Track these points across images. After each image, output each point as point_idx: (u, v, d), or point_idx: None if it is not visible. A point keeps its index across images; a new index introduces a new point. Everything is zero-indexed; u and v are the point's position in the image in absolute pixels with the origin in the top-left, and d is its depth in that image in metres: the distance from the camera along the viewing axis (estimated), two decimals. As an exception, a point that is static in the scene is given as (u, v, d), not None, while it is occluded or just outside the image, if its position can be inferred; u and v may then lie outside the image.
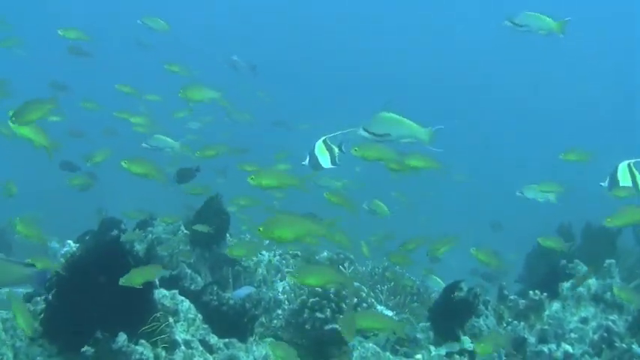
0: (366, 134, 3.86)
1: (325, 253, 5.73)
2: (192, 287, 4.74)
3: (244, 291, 4.78)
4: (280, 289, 5.05)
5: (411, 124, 3.75)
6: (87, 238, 5.32)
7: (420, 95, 21.76)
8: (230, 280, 5.08)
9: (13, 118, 3.83)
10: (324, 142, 4.44)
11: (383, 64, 25.69)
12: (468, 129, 18.60)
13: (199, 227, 4.92)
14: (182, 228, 5.23)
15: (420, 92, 23.01)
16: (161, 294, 3.72)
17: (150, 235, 5.10)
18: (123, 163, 4.03)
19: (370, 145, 3.76)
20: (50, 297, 3.36)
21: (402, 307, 5.21)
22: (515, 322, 4.21)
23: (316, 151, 4.44)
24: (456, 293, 4.08)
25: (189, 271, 4.86)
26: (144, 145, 5.76)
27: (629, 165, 4.67)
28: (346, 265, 5.54)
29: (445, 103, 22.17)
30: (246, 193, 5.79)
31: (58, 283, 3.35)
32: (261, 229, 3.18)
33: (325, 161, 4.49)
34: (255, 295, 4.84)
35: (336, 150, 4.44)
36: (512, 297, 4.45)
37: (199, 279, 4.84)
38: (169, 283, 4.69)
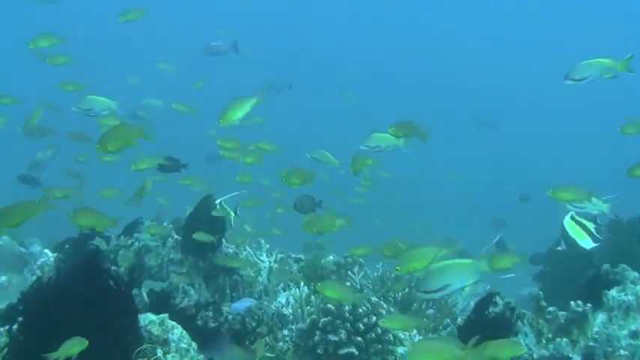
0: (365, 147, 4.62)
1: (332, 257, 5.18)
2: (185, 302, 4.18)
3: (244, 304, 4.24)
4: (284, 301, 4.50)
5: (392, 138, 4.56)
6: (66, 246, 4.76)
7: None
8: (227, 292, 4.53)
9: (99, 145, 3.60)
10: (220, 204, 4.69)
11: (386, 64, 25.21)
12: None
13: (200, 236, 4.34)
14: (172, 233, 4.69)
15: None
16: (148, 320, 3.16)
17: (136, 243, 4.54)
18: (69, 215, 3.44)
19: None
20: (14, 329, 2.79)
21: (419, 316, 4.69)
22: (558, 339, 3.67)
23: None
24: (490, 309, 3.54)
25: (181, 283, 4.30)
26: (74, 109, 4.88)
27: (572, 218, 4.46)
28: (355, 269, 4.99)
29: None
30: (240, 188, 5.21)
31: (25, 312, 2.78)
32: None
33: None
34: (256, 308, 4.30)
35: (232, 214, 4.72)
36: (550, 309, 3.90)
37: (192, 292, 4.28)
38: (159, 297, 4.17)
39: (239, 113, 4.19)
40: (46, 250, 4.59)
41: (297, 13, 27.41)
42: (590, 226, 4.32)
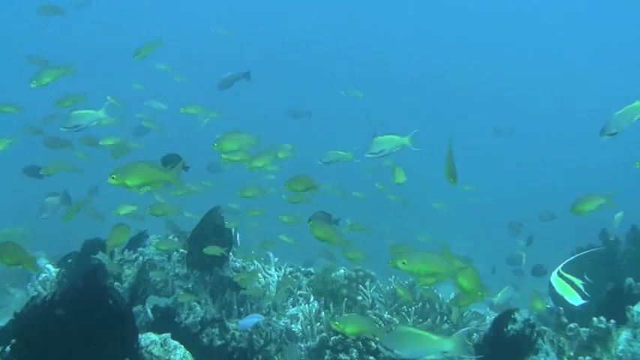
0: (370, 155, 4.51)
1: (342, 270, 5.02)
2: (191, 319, 4.04)
3: (251, 320, 4.09)
4: (297, 316, 4.34)
5: (395, 137, 4.48)
6: (69, 261, 4.62)
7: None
8: (235, 307, 4.37)
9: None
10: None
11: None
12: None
13: (211, 250, 4.19)
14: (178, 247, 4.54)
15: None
16: (149, 339, 3.01)
17: (140, 258, 4.40)
18: None
19: None
20: (7, 352, 2.65)
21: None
22: (580, 357, 3.49)
23: None
24: (509, 326, 3.36)
25: (185, 300, 4.15)
26: (62, 129, 4.68)
27: (559, 274, 4.27)
28: (367, 283, 4.83)
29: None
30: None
31: (17, 334, 2.63)
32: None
33: None
34: (264, 324, 4.15)
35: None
36: (572, 325, 3.72)
37: (198, 308, 4.13)
38: (163, 314, 4.03)
39: (234, 145, 4.34)
40: (49, 265, 4.44)
41: (296, 12, 27.21)
42: (578, 282, 4.16)
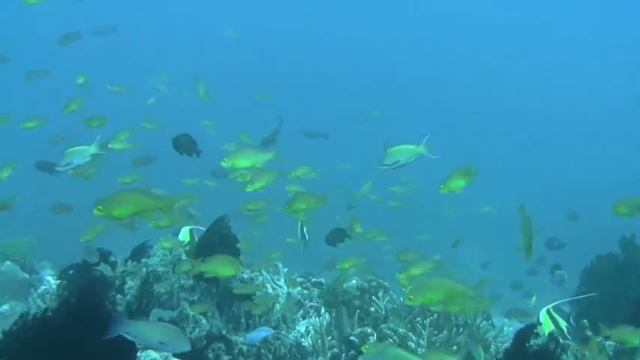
0: (384, 167, 4.25)
1: (354, 281, 4.83)
2: (196, 333, 3.87)
3: (260, 334, 3.92)
4: (303, 330, 4.15)
5: (409, 146, 4.23)
6: (70, 272, 4.46)
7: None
8: (242, 320, 4.19)
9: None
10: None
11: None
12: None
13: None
14: (183, 257, 4.37)
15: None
16: (149, 358, 2.83)
17: (144, 269, 4.22)
18: None
19: None
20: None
21: (449, 344, 4.30)
22: (608, 374, 3.30)
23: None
24: (531, 340, 3.16)
25: (191, 312, 3.98)
26: (59, 169, 4.58)
27: (548, 311, 4.14)
28: (380, 294, 4.63)
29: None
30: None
31: (5, 355, 2.46)
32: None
33: None
34: (273, 338, 3.97)
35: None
36: (599, 339, 3.52)
37: (204, 321, 3.96)
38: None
39: (246, 162, 4.14)
40: (48, 277, 4.29)
41: (306, 21, 27.00)
42: (563, 324, 4.03)
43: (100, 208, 2.81)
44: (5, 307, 4.73)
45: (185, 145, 4.75)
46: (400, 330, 3.53)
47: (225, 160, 4.15)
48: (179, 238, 4.53)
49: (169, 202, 2.96)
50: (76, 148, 4.43)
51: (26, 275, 4.98)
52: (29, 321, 2.52)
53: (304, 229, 5.10)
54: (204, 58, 20.55)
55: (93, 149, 4.44)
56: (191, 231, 4.61)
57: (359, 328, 3.84)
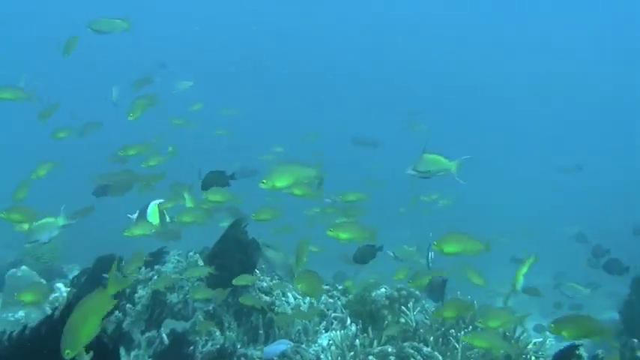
0: (413, 173, 4.06)
1: (383, 289, 4.50)
2: (209, 346, 3.61)
3: (278, 347, 3.64)
4: (325, 344, 3.86)
5: (444, 160, 4.03)
6: (83, 279, 4.25)
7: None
8: (261, 332, 3.92)
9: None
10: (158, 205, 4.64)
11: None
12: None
13: (241, 281, 3.76)
14: (200, 263, 4.13)
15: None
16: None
17: (156, 277, 3.98)
18: None
19: None
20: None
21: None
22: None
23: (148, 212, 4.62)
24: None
25: (201, 327, 3.73)
26: (27, 246, 4.39)
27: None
28: (411, 304, 4.30)
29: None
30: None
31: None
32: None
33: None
34: (292, 352, 3.70)
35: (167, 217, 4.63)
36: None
37: (218, 334, 3.71)
38: (180, 340, 3.60)
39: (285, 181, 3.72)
40: (59, 284, 4.08)
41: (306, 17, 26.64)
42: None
43: (264, 181, 3.35)
44: (21, 313, 4.55)
45: (216, 181, 4.45)
46: (425, 349, 3.20)
47: (264, 181, 3.74)
48: (148, 215, 4.52)
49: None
50: (42, 221, 4.20)
51: (43, 281, 4.80)
52: (4, 341, 2.29)
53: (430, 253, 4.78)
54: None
55: (61, 221, 4.26)
56: (159, 207, 4.59)
57: (379, 346, 3.53)
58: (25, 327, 2.36)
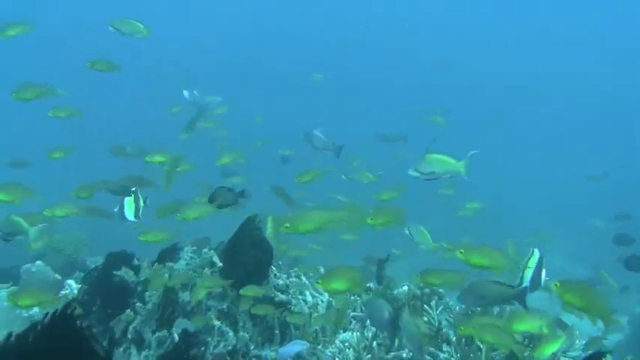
0: (416, 174, 3.90)
1: (406, 287, 4.32)
2: (221, 347, 3.48)
3: (293, 348, 3.49)
4: (343, 345, 3.69)
5: (451, 160, 3.87)
6: (95, 275, 4.14)
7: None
8: (276, 332, 3.77)
9: None
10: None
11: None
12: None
13: (250, 291, 3.61)
14: (214, 260, 3.98)
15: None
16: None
17: (168, 274, 3.85)
18: None
19: None
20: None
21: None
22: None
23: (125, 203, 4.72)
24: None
25: (217, 323, 3.59)
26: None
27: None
28: (433, 302, 4.11)
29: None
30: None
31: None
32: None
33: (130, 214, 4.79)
34: (308, 354, 3.55)
35: (142, 203, 4.74)
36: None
37: (231, 334, 3.57)
38: (191, 341, 3.47)
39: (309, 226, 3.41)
40: (70, 281, 3.97)
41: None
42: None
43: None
44: (35, 309, 4.45)
45: (225, 198, 4.25)
46: (441, 356, 3.02)
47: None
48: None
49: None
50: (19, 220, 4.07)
51: (57, 276, 4.71)
52: (5, 345, 2.16)
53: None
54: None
55: (35, 231, 4.22)
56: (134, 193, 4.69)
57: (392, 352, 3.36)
58: (9, 334, 2.23)
